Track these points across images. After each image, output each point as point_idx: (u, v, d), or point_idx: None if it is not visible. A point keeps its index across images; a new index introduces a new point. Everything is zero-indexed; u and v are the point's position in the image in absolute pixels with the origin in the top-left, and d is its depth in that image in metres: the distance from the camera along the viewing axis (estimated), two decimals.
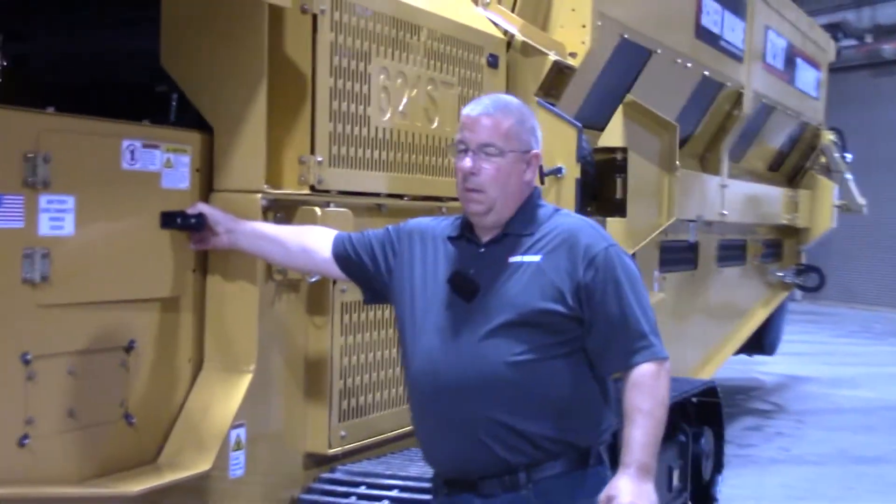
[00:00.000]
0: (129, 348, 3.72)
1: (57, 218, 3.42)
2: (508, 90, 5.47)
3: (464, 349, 3.20)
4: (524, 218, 3.32)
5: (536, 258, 3.22)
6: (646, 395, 3.14)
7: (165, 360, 3.88)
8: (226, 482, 3.96)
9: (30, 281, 3.33)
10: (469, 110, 3.33)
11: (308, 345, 4.29)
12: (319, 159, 4.19)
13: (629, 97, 6.40)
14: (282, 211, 4.11)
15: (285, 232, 3.83)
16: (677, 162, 6.51)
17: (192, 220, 3.75)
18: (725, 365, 9.76)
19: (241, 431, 4.02)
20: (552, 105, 5.68)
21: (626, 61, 6.69)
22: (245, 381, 3.94)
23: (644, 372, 3.17)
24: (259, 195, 3.94)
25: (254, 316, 3.96)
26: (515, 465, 3.19)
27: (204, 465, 3.78)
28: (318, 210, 4.11)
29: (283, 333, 4.19)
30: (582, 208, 5.53)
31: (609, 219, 5.94)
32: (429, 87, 4.89)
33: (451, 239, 3.41)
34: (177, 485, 3.70)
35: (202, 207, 3.80)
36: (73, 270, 3.47)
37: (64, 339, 3.48)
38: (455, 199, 3.88)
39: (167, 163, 3.81)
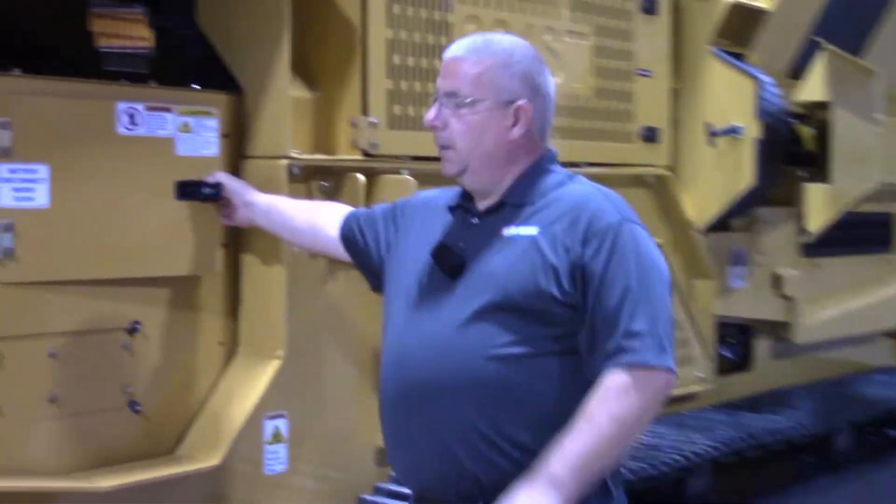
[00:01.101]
0: (131, 330, 3.42)
1: (23, 189, 3.17)
2: (676, 39, 4.78)
3: (439, 337, 2.56)
4: (525, 184, 2.65)
5: (533, 230, 2.56)
6: (605, 403, 2.43)
7: (185, 344, 3.57)
8: (259, 478, 3.60)
9: None
10: (446, 52, 2.72)
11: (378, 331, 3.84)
12: (374, 120, 3.74)
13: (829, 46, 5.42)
14: (330, 179, 3.70)
15: (297, 207, 3.37)
16: (881, 115, 5.47)
17: (207, 191, 3.42)
18: None
19: (282, 423, 3.65)
20: (734, 56, 4.91)
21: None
22: (271, 368, 3.58)
23: (616, 378, 2.44)
24: (284, 161, 3.55)
25: (282, 296, 3.59)
26: (489, 483, 2.51)
27: (213, 460, 3.43)
28: (359, 177, 3.67)
29: (338, 318, 3.78)
30: (765, 174, 4.75)
31: (810, 185, 5.08)
32: (546, 38, 4.31)
33: (450, 209, 2.77)
34: (183, 479, 3.39)
35: (220, 177, 3.45)
36: (48, 246, 3.21)
37: (38, 319, 3.23)
38: None
39: (184, 127, 3.47)
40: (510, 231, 2.58)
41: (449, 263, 2.61)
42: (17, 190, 3.17)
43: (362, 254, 2.99)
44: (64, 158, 3.23)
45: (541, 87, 2.67)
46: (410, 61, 3.86)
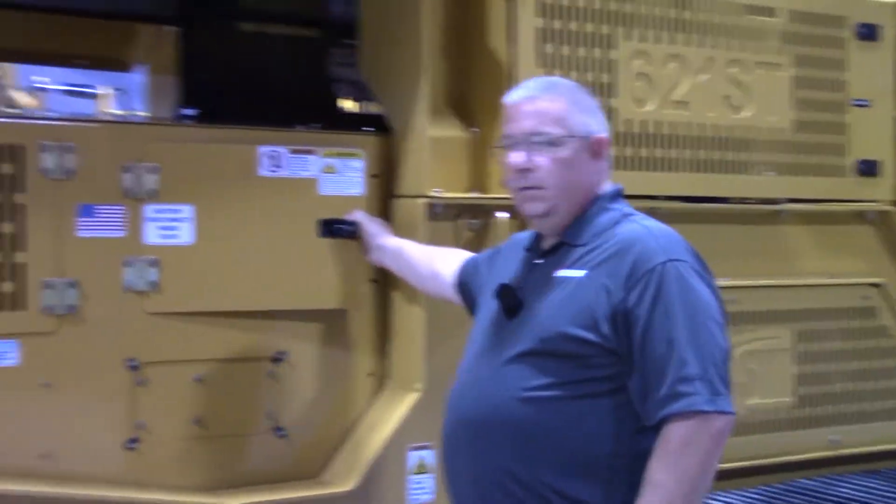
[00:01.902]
0: (277, 359, 3.65)
1: (168, 227, 3.48)
2: None
3: (485, 377, 2.62)
4: (581, 223, 2.66)
5: (580, 273, 2.55)
6: (664, 461, 2.39)
7: (333, 374, 3.76)
8: None
9: (133, 289, 3.42)
10: (508, 97, 2.75)
11: None
12: None
13: None
14: (480, 216, 3.79)
15: (421, 253, 3.46)
16: None
17: (346, 229, 3.60)
18: None
19: (427, 454, 3.76)
20: None
21: None
22: (410, 400, 3.69)
23: (673, 432, 2.39)
24: (422, 200, 3.67)
25: (422, 331, 3.70)
26: None
27: (347, 485, 3.59)
28: (498, 215, 3.74)
29: None
30: None
31: None
32: (731, 70, 4.19)
33: (526, 251, 2.81)
34: (313, 502, 3.58)
35: (359, 216, 3.63)
36: (191, 279, 3.50)
37: (184, 346, 3.52)
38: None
39: (328, 168, 3.68)
40: (561, 273, 2.60)
41: (507, 304, 2.65)
42: (162, 228, 3.48)
43: (471, 301, 3.05)
44: (208, 199, 3.51)
45: (602, 122, 2.70)
46: None
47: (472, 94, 3.92)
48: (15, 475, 3.28)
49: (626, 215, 2.66)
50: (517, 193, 2.70)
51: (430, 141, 3.70)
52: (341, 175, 3.69)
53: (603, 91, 3.92)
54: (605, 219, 2.64)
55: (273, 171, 3.62)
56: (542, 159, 2.62)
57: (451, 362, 3.68)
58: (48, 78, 8.88)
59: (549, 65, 3.84)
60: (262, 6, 4.59)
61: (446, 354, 3.74)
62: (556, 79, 2.87)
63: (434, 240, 3.66)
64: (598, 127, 2.68)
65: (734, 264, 4.23)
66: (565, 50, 3.88)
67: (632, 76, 3.99)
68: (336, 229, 3.61)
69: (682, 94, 4.09)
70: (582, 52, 3.91)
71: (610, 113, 3.89)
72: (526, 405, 2.50)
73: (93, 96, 8.88)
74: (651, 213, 3.65)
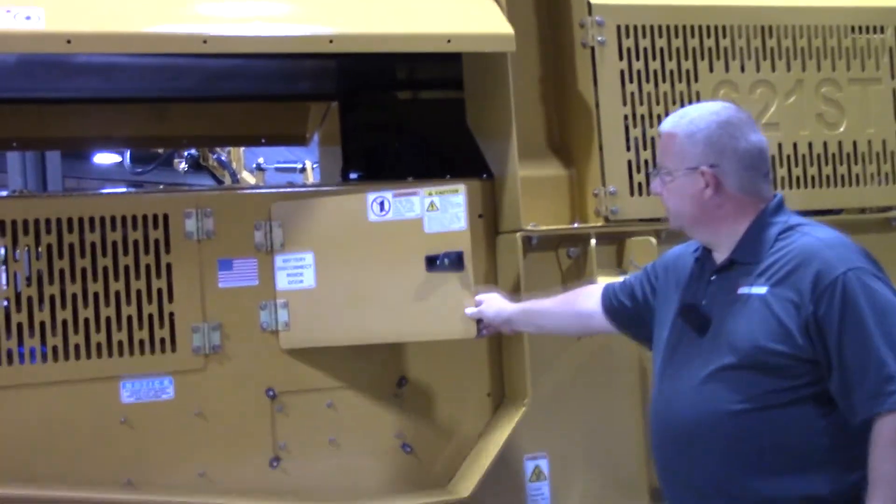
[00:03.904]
0: (400, 384, 4.13)
1: (295, 274, 4.04)
2: None
3: (686, 390, 2.89)
4: (750, 242, 2.90)
5: (762, 290, 2.80)
6: (885, 454, 2.65)
7: (452, 395, 4.20)
8: None
9: (269, 329, 4.00)
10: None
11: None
12: (612, 189, 4.15)
13: None
14: (578, 244, 4.18)
15: (553, 304, 3.66)
16: None
17: (446, 261, 3.87)
18: None
19: (542, 463, 4.15)
20: None
21: None
22: (518, 413, 4.08)
23: (883, 428, 2.65)
24: (519, 233, 4.08)
25: (525, 351, 4.08)
26: None
27: (464, 493, 4.02)
28: (591, 242, 4.12)
29: (595, 370, 4.25)
30: None
31: None
32: (823, 90, 4.40)
33: (696, 260, 3.08)
34: None
35: (485, 313, 3.80)
36: (316, 318, 4.01)
37: (315, 377, 4.05)
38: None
39: (430, 206, 3.96)
40: (743, 290, 2.84)
41: (696, 323, 2.93)
42: (290, 275, 4.04)
43: (626, 320, 3.37)
44: (324, 245, 4.01)
45: (727, 150, 2.90)
46: (650, 132, 4.19)
47: (569, 136, 4.31)
48: (179, 489, 3.89)
49: (793, 226, 2.89)
50: None
51: (524, 180, 4.10)
52: (443, 212, 3.94)
53: None
54: (772, 232, 2.88)
55: (380, 216, 3.99)
56: (663, 189, 3.01)
57: (552, 379, 4.10)
58: (262, 159, 9.85)
59: (631, 103, 4.18)
60: (412, 76, 5.17)
61: (549, 371, 4.15)
62: (691, 109, 3.03)
63: (534, 269, 4.08)
64: (714, 156, 2.90)
65: None
66: (648, 87, 4.21)
67: None
68: (439, 263, 3.88)
69: (771, 117, 4.32)
70: (665, 87, 4.22)
71: None
72: (734, 417, 2.77)
73: (300, 170, 9.76)
74: None
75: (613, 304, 3.39)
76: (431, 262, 3.90)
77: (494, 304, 3.77)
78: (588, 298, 3.51)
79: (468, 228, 3.84)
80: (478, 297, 3.79)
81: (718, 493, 2.82)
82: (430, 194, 3.91)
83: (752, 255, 2.86)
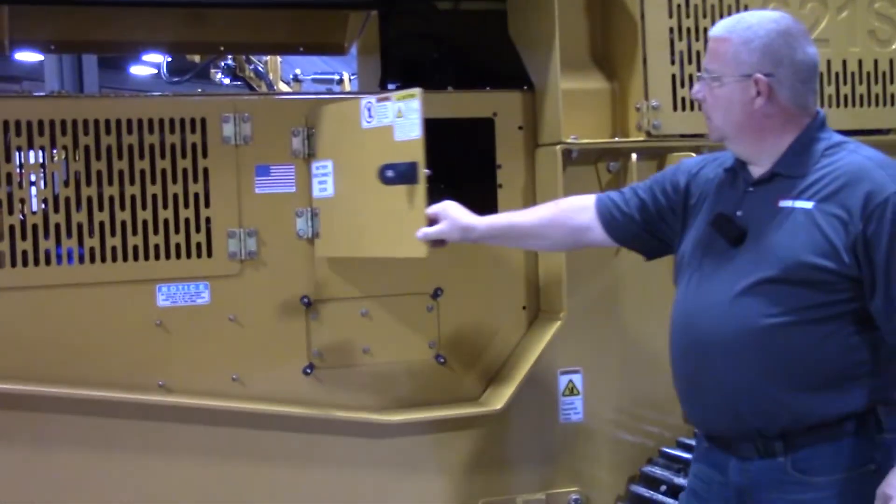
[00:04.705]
0: (435, 295, 4.12)
1: (322, 181, 3.98)
2: None
3: (718, 303, 2.83)
4: (795, 155, 2.84)
5: (808, 204, 2.75)
6: None
7: (487, 307, 4.19)
8: (556, 425, 4.15)
9: (304, 236, 3.98)
10: (710, 31, 2.97)
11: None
12: (654, 104, 4.08)
13: None
14: (618, 159, 4.13)
15: (537, 220, 3.40)
16: None
17: (397, 172, 3.61)
18: None
19: (577, 378, 4.14)
20: None
21: None
22: (554, 328, 4.06)
23: None
24: (559, 146, 4.03)
25: (562, 264, 4.05)
26: (768, 432, 2.80)
27: (496, 405, 4.02)
28: (633, 156, 4.07)
29: (628, 287, 4.24)
30: None
31: None
32: (877, 6, 4.30)
33: (727, 171, 3.01)
34: (467, 419, 4.05)
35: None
36: (334, 227, 3.95)
37: (349, 285, 4.04)
38: None
39: (398, 113, 3.66)
40: (786, 203, 2.78)
41: (730, 233, 2.85)
42: (320, 183, 3.98)
43: (633, 235, 3.23)
44: (340, 154, 3.93)
45: (784, 59, 2.81)
46: (696, 46, 4.11)
47: (612, 49, 4.23)
48: (212, 394, 3.91)
49: (839, 143, 2.84)
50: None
51: (565, 93, 4.04)
52: (406, 119, 3.63)
53: None
54: (819, 147, 2.83)
55: (368, 123, 3.79)
56: (708, 94, 2.90)
57: (590, 294, 4.08)
58: (299, 70, 9.75)
59: (678, 15, 4.09)
60: None
61: (586, 287, 4.12)
62: (748, 15, 2.93)
63: (573, 183, 4.03)
64: (769, 64, 2.80)
65: None
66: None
67: None
68: (393, 175, 3.62)
69: (821, 33, 4.23)
70: (712, 0, 4.13)
71: None
72: (768, 331, 2.74)
73: (337, 81, 9.67)
74: None
75: (616, 218, 3.22)
76: (383, 173, 3.65)
77: (452, 212, 3.44)
78: (581, 212, 3.31)
79: (422, 137, 3.56)
80: (431, 210, 3.48)
81: (750, 410, 2.78)
82: (398, 100, 3.67)
83: (798, 168, 2.80)
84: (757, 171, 2.89)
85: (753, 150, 2.88)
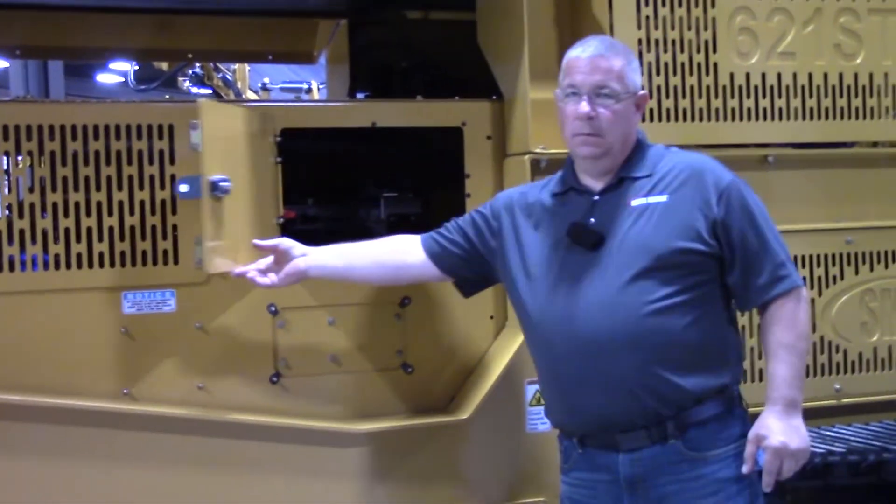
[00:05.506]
0: (402, 304, 4.11)
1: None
2: None
3: (599, 302, 3.07)
4: (638, 160, 3.22)
5: (663, 198, 3.12)
6: (787, 328, 3.09)
7: (455, 317, 4.19)
8: (522, 435, 4.13)
9: None
10: (577, 52, 3.20)
11: None
12: None
13: None
14: None
15: (360, 261, 3.62)
16: None
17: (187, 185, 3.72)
18: None
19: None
20: None
21: None
22: (521, 337, 4.03)
23: (783, 303, 3.11)
24: (527, 156, 4.04)
25: None
26: (664, 416, 3.06)
27: (463, 415, 4.01)
28: None
29: None
30: None
31: None
32: (842, 20, 4.33)
33: (555, 196, 3.30)
34: (432, 428, 4.03)
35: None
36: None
37: (316, 293, 4.01)
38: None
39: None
40: (638, 202, 3.14)
41: (588, 240, 3.13)
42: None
43: (455, 263, 3.50)
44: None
45: (641, 77, 3.29)
46: (665, 57, 4.12)
47: None
48: (178, 402, 3.89)
49: (663, 147, 3.29)
50: (576, 138, 3.18)
51: (534, 103, 4.04)
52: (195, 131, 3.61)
53: (703, 46, 4.16)
54: (652, 153, 3.23)
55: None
56: (603, 111, 3.13)
57: None
58: (268, 78, 9.75)
59: (646, 27, 4.11)
60: None
61: None
62: (613, 39, 3.42)
63: None
64: (641, 83, 3.26)
65: (852, 207, 4.38)
66: (664, 11, 4.14)
67: (734, 31, 4.19)
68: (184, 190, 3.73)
69: (788, 46, 4.26)
70: (681, 12, 4.15)
71: (713, 67, 4.15)
72: (653, 316, 3.03)
73: (306, 90, 9.66)
74: (764, 160, 4.24)
75: (445, 249, 3.48)
76: (177, 188, 3.78)
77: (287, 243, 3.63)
78: (406, 249, 3.55)
79: (203, 149, 3.56)
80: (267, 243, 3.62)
81: (646, 393, 3.03)
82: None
83: (642, 170, 3.17)
84: (596, 183, 3.20)
85: (619, 160, 3.19)
